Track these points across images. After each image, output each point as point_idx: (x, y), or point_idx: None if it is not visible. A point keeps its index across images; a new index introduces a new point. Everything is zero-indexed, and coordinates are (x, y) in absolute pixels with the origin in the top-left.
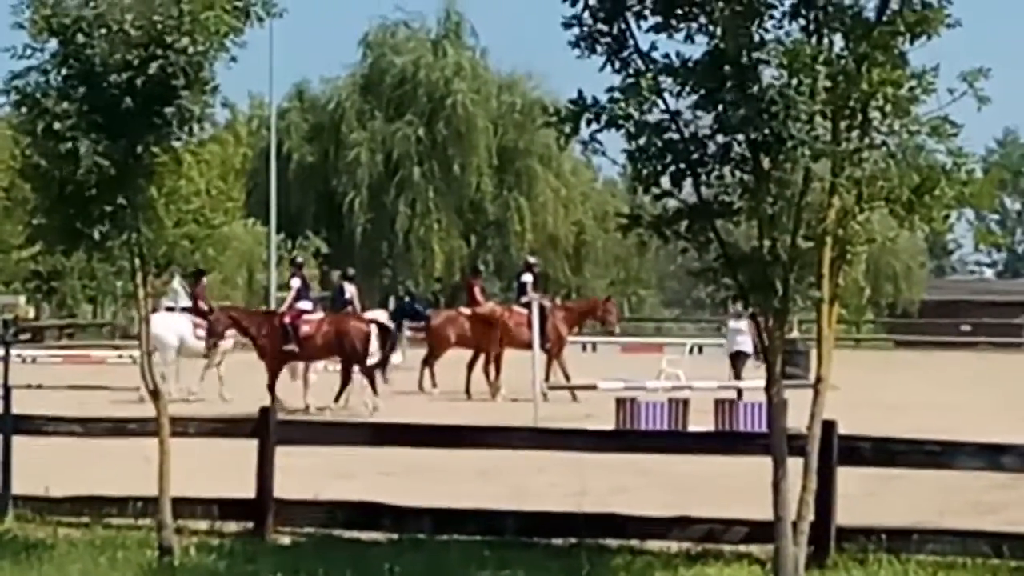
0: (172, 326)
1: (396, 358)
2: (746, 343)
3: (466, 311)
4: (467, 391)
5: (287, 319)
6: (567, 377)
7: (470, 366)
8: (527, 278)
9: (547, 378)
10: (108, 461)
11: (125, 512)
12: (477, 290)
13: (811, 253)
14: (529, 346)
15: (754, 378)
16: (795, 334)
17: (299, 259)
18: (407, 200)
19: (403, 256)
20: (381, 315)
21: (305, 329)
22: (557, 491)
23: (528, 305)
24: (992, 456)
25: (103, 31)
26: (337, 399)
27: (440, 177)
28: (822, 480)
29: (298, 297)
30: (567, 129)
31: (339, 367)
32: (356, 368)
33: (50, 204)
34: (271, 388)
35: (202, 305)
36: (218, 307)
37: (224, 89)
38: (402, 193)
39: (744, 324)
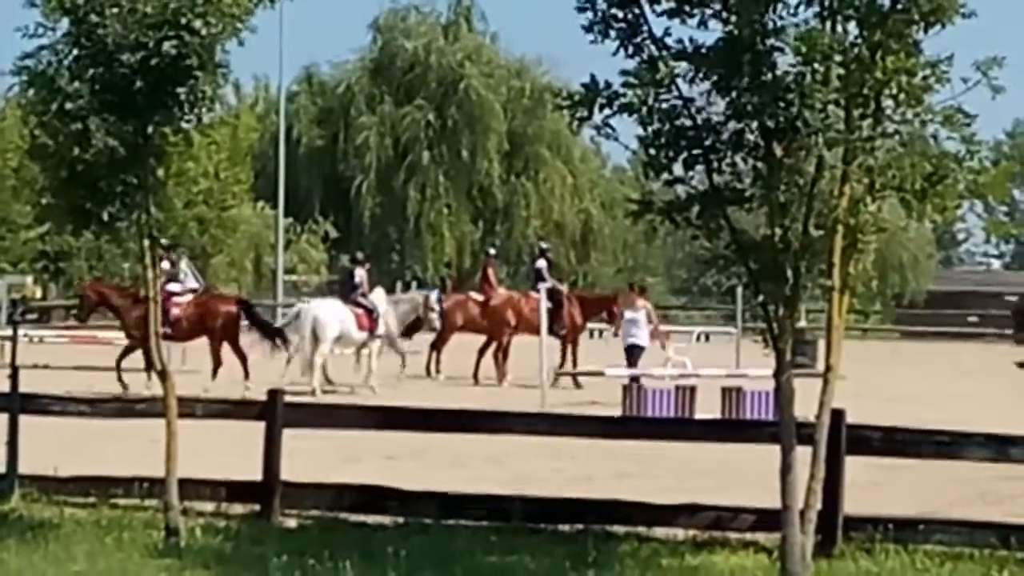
0: (336, 315)
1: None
2: (641, 336)
3: (475, 295)
4: (475, 376)
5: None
6: (575, 364)
7: (481, 351)
8: (542, 264)
9: (562, 364)
10: (115, 442)
11: (131, 493)
12: (491, 272)
13: (822, 241)
14: (549, 333)
15: (761, 366)
16: (803, 323)
17: (164, 243)
18: (417, 184)
19: (412, 240)
20: (380, 297)
21: (175, 311)
22: (563, 477)
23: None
24: (1000, 447)
25: (116, 11)
26: (213, 377)
27: (449, 162)
28: (830, 469)
29: (168, 280)
30: (580, 114)
31: (345, 351)
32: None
33: (59, 184)
34: (118, 365)
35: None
36: (88, 282)
37: (232, 71)
38: (412, 177)
39: (641, 315)
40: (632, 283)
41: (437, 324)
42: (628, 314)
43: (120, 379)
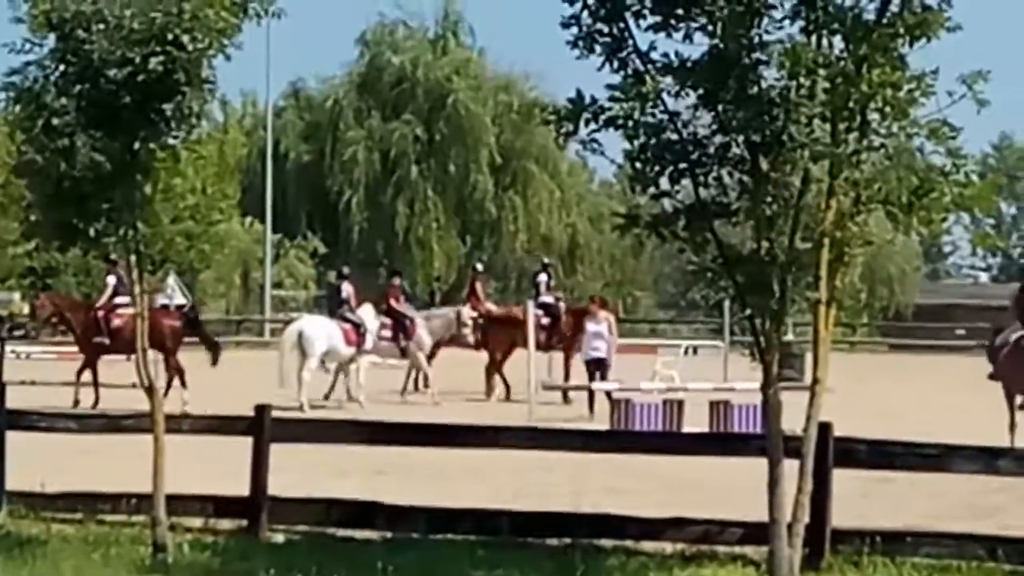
0: (323, 330)
1: (377, 358)
2: (603, 349)
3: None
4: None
5: (100, 313)
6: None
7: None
8: (543, 278)
9: (567, 377)
10: (103, 458)
11: (119, 509)
12: (479, 287)
13: (809, 255)
14: (547, 346)
15: (749, 380)
16: (790, 336)
17: (113, 257)
18: (405, 199)
19: (401, 255)
20: (368, 312)
21: (116, 323)
22: (552, 491)
23: (542, 305)
24: (988, 460)
25: (103, 27)
26: (165, 393)
27: (438, 176)
28: (817, 482)
29: (115, 293)
30: (566, 128)
31: (333, 365)
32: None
33: (47, 200)
34: (77, 376)
35: (395, 305)
36: (44, 295)
37: (219, 87)
38: (400, 192)
39: (604, 328)
40: (593, 296)
41: (470, 339)
42: (590, 327)
43: (76, 393)
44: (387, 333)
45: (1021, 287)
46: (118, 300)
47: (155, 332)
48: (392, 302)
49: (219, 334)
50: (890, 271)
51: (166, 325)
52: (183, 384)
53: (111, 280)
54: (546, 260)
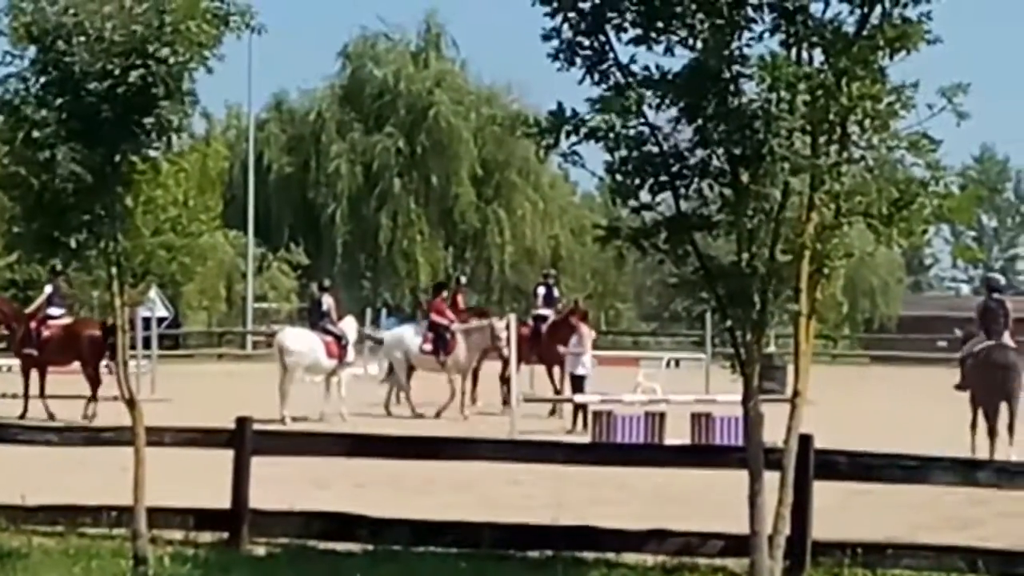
0: (307, 342)
1: (359, 370)
2: (587, 364)
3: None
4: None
5: (32, 323)
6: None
7: (501, 377)
8: (541, 291)
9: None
10: (84, 470)
11: (100, 521)
12: (460, 300)
13: (789, 267)
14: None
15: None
16: (772, 348)
17: (57, 267)
18: (389, 212)
19: (385, 268)
20: (351, 325)
21: (45, 334)
22: (534, 504)
23: (536, 318)
24: (967, 471)
25: (83, 39)
26: (89, 403)
27: (420, 189)
28: (798, 494)
29: (49, 303)
30: (547, 141)
31: (316, 378)
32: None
33: (27, 212)
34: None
35: (434, 317)
36: None
37: (202, 99)
38: (383, 205)
39: (587, 342)
40: (575, 309)
41: (506, 352)
42: (574, 342)
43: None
44: (428, 347)
45: (985, 298)
46: (52, 311)
47: (74, 342)
48: (438, 315)
49: (201, 346)
50: (872, 283)
51: (85, 336)
52: (94, 397)
53: (47, 289)
54: (548, 271)
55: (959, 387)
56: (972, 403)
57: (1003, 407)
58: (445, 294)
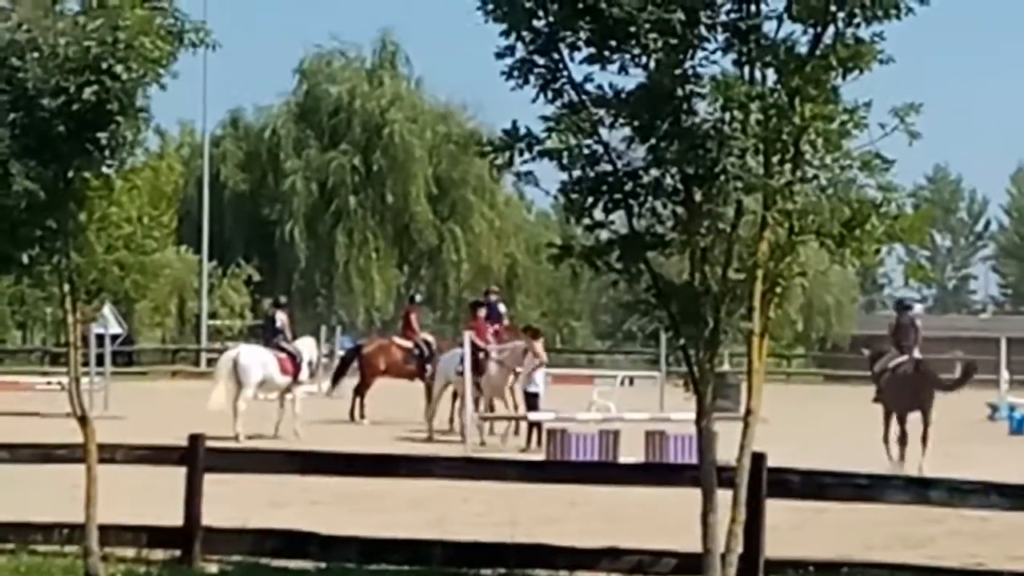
0: (259, 359)
1: (313, 387)
2: (533, 383)
3: (399, 340)
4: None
5: None
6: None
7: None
8: (482, 312)
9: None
10: (35, 488)
11: (51, 539)
12: (414, 318)
13: (742, 286)
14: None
15: (685, 410)
16: (726, 367)
17: None
18: (344, 229)
19: (341, 286)
20: (310, 343)
21: None
22: (487, 521)
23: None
24: (919, 490)
25: (37, 55)
26: None
27: (376, 207)
28: (751, 512)
29: None
30: (500, 160)
31: (269, 396)
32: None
33: None
34: None
35: (475, 339)
36: None
37: (156, 115)
38: (339, 222)
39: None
40: (527, 326)
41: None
42: (528, 360)
43: None
44: (460, 368)
45: (898, 316)
46: None
47: None
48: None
49: (155, 363)
50: (827, 302)
51: None
52: None
53: None
54: (491, 288)
55: (876, 400)
56: (885, 415)
57: (918, 418)
58: (482, 313)
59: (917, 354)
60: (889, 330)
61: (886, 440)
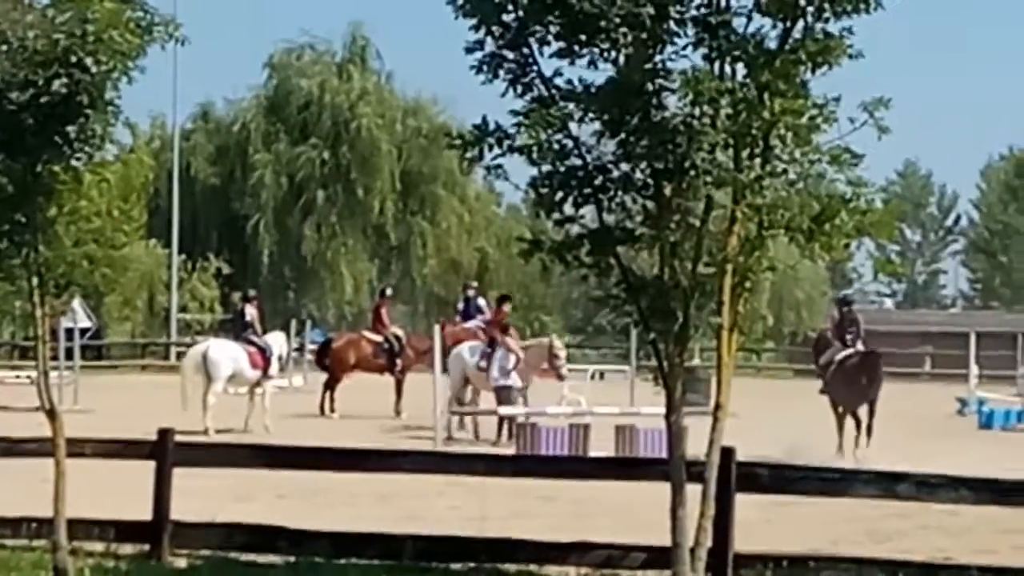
0: (228, 353)
1: (283, 382)
2: (512, 377)
3: (369, 335)
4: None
5: None
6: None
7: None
8: (460, 306)
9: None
10: (3, 481)
11: (19, 533)
12: (384, 312)
13: (712, 280)
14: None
15: (655, 404)
16: (697, 361)
17: None
18: (313, 223)
19: (310, 279)
20: (279, 338)
21: None
22: (457, 515)
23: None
24: (888, 484)
25: (5, 48)
26: None
27: (345, 201)
28: (720, 506)
29: None
30: (471, 155)
31: (239, 390)
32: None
33: None
34: None
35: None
36: None
37: (125, 109)
38: (308, 216)
39: (513, 356)
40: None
41: (565, 372)
42: (499, 354)
43: None
44: (484, 363)
45: (839, 311)
46: None
47: None
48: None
49: (125, 357)
50: (797, 297)
51: None
52: None
53: None
54: (469, 283)
55: (823, 392)
56: (834, 406)
57: (864, 409)
58: (508, 308)
59: (860, 347)
60: (831, 325)
61: (840, 429)
